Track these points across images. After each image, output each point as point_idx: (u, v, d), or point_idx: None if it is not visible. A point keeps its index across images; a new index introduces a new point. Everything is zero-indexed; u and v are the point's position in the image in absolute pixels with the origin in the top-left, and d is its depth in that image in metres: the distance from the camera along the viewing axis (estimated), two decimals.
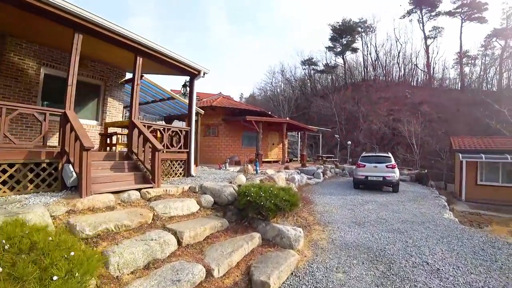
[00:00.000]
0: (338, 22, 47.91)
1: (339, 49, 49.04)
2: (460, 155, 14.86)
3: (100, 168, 5.62)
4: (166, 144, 7.29)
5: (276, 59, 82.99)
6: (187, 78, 9.07)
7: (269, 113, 22.07)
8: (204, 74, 8.13)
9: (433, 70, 43.48)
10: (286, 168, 13.20)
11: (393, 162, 11.04)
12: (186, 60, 7.52)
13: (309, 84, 50.63)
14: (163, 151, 6.43)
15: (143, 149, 6.23)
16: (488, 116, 23.50)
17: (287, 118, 20.10)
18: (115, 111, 10.04)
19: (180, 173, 7.73)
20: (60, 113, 5.18)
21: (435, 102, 34.72)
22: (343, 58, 48.87)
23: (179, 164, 7.72)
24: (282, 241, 4.48)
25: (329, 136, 32.36)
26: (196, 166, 12.39)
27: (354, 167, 13.45)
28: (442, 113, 32.87)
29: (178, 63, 7.40)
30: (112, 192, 4.81)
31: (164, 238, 3.70)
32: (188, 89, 9.11)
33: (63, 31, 5.20)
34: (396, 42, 45.54)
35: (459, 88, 41.26)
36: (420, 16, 43.08)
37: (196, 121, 12.97)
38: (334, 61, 49.88)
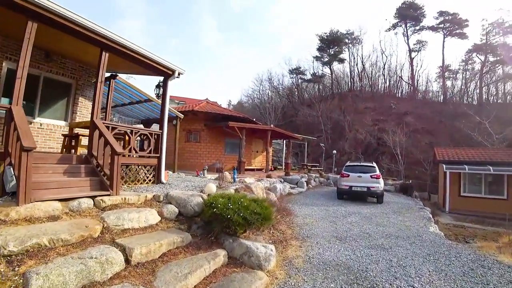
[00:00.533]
0: (325, 33, 48.61)
1: (326, 59, 49.56)
2: (444, 166, 14.76)
3: (51, 171, 4.94)
4: (133, 148, 6.65)
5: (264, 67, 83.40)
6: (162, 78, 8.49)
7: (254, 119, 21.62)
8: (179, 74, 7.57)
9: (417, 82, 44.48)
10: (269, 176, 12.68)
11: (377, 172, 10.70)
12: (159, 58, 6.95)
13: (296, 93, 50.76)
14: (124, 155, 5.80)
15: (103, 152, 5.57)
16: (470, 127, 23.84)
17: (272, 126, 19.67)
18: (87, 111, 9.34)
19: (150, 180, 7.07)
20: (5, 109, 4.53)
21: (419, 113, 35.26)
22: (330, 68, 49.41)
23: (148, 170, 7.06)
24: (250, 260, 3.89)
25: (315, 145, 32.18)
26: (174, 172, 11.72)
27: (338, 176, 13.09)
28: (426, 124, 33.35)
29: (149, 61, 6.81)
30: (60, 200, 4.14)
31: (107, 256, 3.05)
32: (162, 90, 8.50)
33: (24, 21, 4.58)
34: (382, 54, 46.21)
35: (441, 101, 42.17)
36: (405, 29, 44.17)
37: (175, 125, 12.37)
38: (321, 70, 50.40)
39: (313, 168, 21.24)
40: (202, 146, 16.88)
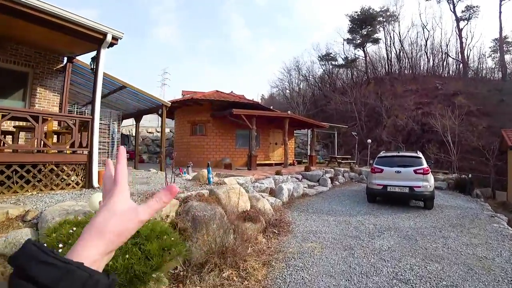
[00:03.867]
0: (356, 12, 43.85)
1: (359, 41, 44.84)
2: None
3: None
4: (42, 140, 4.56)
5: (292, 56, 79.45)
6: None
7: (271, 107, 19.04)
8: (115, 40, 5.39)
9: (467, 57, 38.20)
10: (278, 173, 10.10)
11: (424, 164, 7.60)
12: (81, 18, 4.82)
13: (327, 79, 46.85)
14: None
15: None
16: None
17: (289, 112, 16.94)
18: (48, 104, 7.71)
19: (77, 183, 4.98)
20: None
21: (472, 93, 29.91)
22: (364, 51, 44.58)
23: (73, 170, 4.96)
24: None
25: (349, 135, 28.71)
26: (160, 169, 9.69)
27: (368, 172, 10.15)
28: (482, 105, 28.12)
29: (69, 23, 4.71)
30: None
31: None
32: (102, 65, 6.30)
33: None
34: (423, 29, 40.34)
35: (500, 78, 35.84)
36: None
37: (161, 115, 10.32)
38: (353, 54, 45.78)
39: (343, 161, 18.17)
40: (209, 140, 14.73)
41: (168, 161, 18.30)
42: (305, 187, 10.19)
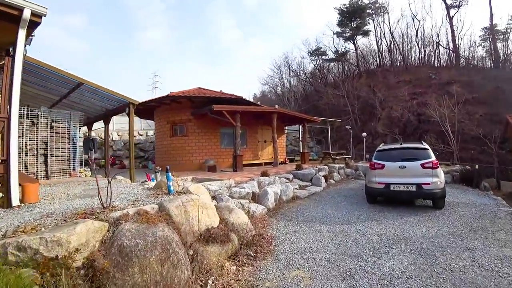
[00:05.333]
0: (344, 4, 42.90)
1: (349, 34, 43.91)
2: None
3: None
4: None
5: (281, 52, 78.22)
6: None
7: (258, 103, 17.83)
8: (37, 17, 4.16)
9: (459, 46, 37.46)
10: (265, 174, 8.91)
11: (433, 157, 6.42)
12: None
13: (318, 75, 45.82)
14: None
15: None
16: None
17: (277, 107, 15.77)
18: None
19: None
20: None
21: (466, 81, 29.12)
22: (354, 44, 43.66)
23: None
24: None
25: (342, 130, 27.69)
26: (132, 181, 8.41)
27: (367, 167, 9.01)
28: (477, 92, 27.32)
29: None
30: None
31: None
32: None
33: None
34: (413, 19, 39.53)
35: (492, 65, 35.22)
36: None
37: (128, 114, 9.06)
38: (344, 47, 44.80)
39: (338, 157, 17.06)
40: (190, 141, 13.48)
41: (150, 165, 17.00)
42: (296, 189, 9.03)
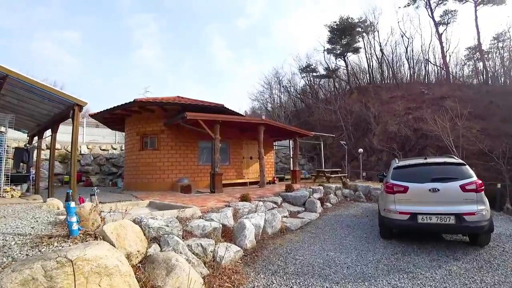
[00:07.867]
0: (335, 22, 42.72)
1: (339, 51, 43.53)
2: None
3: None
4: None
5: (271, 66, 78.30)
6: None
7: (243, 114, 16.06)
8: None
9: (449, 62, 37.22)
10: (244, 198, 6.97)
11: (474, 176, 4.69)
12: None
13: (309, 91, 44.88)
14: None
15: None
16: None
17: (263, 117, 14.02)
18: None
19: None
20: None
21: (460, 96, 28.37)
22: (344, 60, 43.22)
23: None
24: None
25: (335, 146, 26.15)
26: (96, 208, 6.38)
27: (380, 191, 7.11)
28: (472, 107, 26.48)
29: None
30: None
31: None
32: None
33: None
34: (402, 37, 39.43)
35: (482, 81, 34.91)
36: (427, 0, 37.19)
37: (72, 118, 7.12)
38: (334, 64, 44.27)
39: (333, 175, 15.28)
40: (162, 155, 11.48)
41: (119, 183, 14.80)
42: (285, 217, 7.10)
